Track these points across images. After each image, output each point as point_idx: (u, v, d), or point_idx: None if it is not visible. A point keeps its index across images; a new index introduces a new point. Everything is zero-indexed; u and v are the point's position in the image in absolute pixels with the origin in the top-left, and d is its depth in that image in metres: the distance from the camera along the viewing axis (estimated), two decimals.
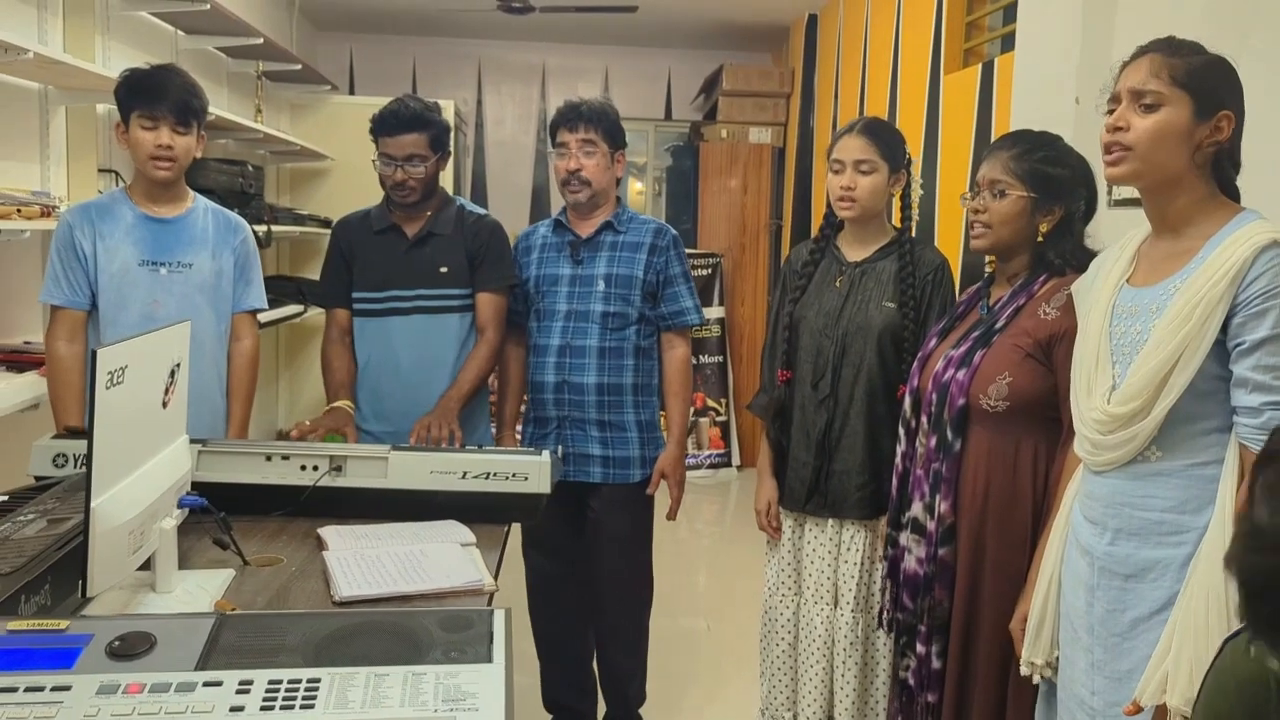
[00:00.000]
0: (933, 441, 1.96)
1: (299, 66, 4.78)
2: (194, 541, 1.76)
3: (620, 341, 2.55)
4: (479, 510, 1.97)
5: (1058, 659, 1.71)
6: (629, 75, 6.76)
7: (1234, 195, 1.56)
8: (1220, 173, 1.54)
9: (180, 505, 1.63)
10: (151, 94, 2.29)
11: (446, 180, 2.87)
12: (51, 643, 1.11)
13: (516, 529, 2.27)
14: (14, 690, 1.03)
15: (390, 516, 1.94)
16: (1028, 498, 1.86)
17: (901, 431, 2.10)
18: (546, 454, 2.05)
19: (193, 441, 1.80)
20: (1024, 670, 1.76)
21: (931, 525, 1.95)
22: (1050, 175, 1.92)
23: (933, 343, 2.08)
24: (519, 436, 2.69)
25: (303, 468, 1.99)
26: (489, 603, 1.61)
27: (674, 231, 2.66)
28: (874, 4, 4.75)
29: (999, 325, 1.93)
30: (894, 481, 2.11)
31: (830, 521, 2.33)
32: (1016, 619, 1.80)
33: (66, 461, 1.91)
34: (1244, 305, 1.43)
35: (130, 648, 1.10)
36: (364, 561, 1.70)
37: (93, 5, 3.16)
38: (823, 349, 2.31)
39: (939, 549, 1.93)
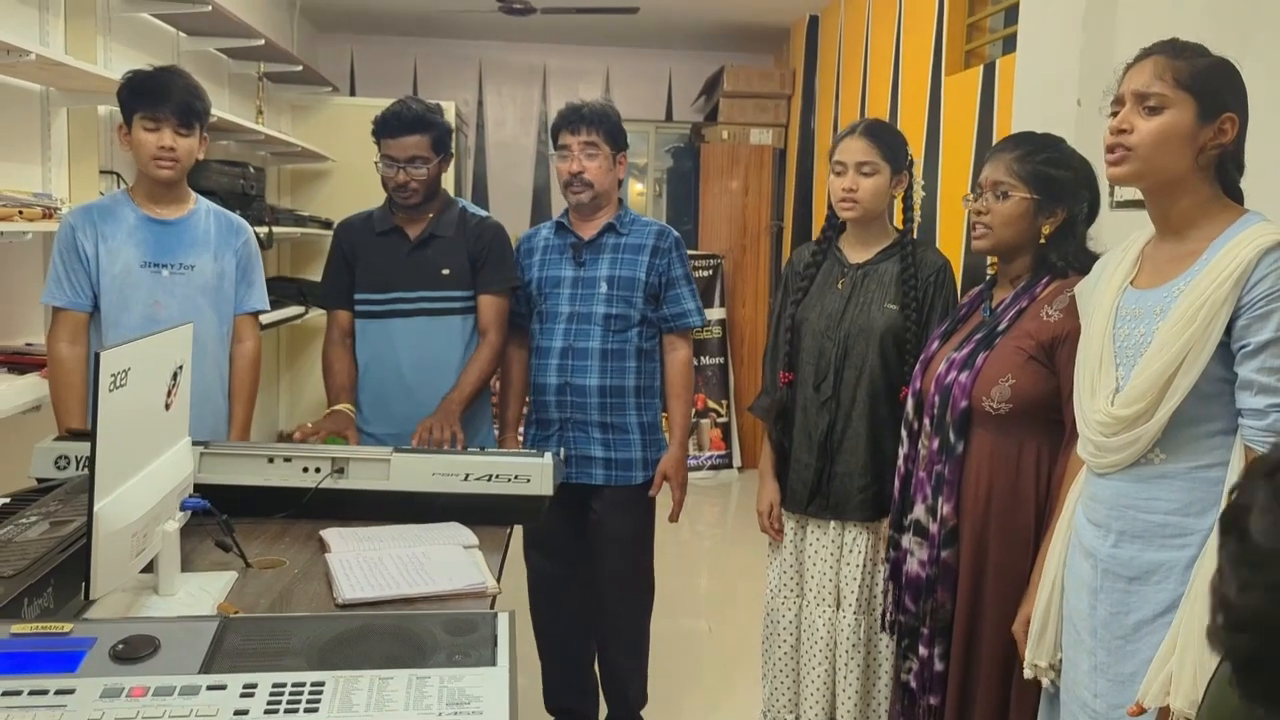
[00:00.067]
0: (935, 444, 1.96)
1: (300, 68, 4.78)
2: (196, 544, 1.76)
3: (622, 343, 2.55)
4: (481, 512, 1.97)
5: (1061, 661, 1.70)
6: (630, 76, 6.76)
7: (1237, 197, 1.56)
8: (1224, 175, 1.54)
9: (183, 507, 1.63)
10: (154, 95, 2.29)
11: (447, 182, 2.87)
12: (55, 646, 1.11)
13: (518, 531, 2.27)
14: (18, 693, 1.03)
15: (392, 518, 1.94)
16: (1030, 500, 1.86)
17: (904, 433, 2.10)
18: (549, 456, 2.04)
19: (195, 443, 1.80)
20: (1027, 673, 1.75)
21: (934, 527, 1.95)
22: (1053, 177, 1.92)
23: (935, 345, 2.08)
24: (521, 438, 2.70)
25: (305, 470, 1.99)
26: (491, 605, 1.61)
27: (676, 233, 2.66)
28: (875, 5, 4.75)
29: (1001, 327, 1.93)
30: (896, 483, 2.11)
31: (832, 523, 2.33)
32: (1019, 621, 1.80)
33: (68, 464, 1.91)
34: (1248, 307, 1.43)
35: (134, 651, 1.10)
36: (366, 564, 1.70)
37: (94, 7, 3.15)
38: (825, 351, 2.31)
39: (941, 551, 1.93)
